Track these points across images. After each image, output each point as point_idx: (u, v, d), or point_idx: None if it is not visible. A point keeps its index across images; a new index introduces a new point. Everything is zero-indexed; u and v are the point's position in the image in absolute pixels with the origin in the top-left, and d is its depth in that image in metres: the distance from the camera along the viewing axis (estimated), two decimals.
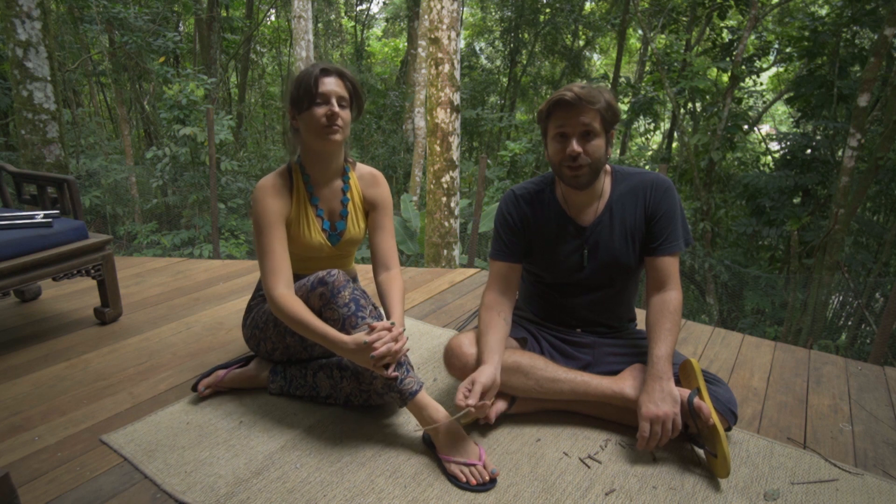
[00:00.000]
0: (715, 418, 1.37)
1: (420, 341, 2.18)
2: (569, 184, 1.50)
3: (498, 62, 14.87)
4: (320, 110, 1.50)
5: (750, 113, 9.36)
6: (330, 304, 1.48)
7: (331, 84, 1.50)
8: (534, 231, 1.61)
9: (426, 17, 5.91)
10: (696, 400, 1.39)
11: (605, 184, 1.58)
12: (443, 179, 5.02)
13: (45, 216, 2.18)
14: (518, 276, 1.67)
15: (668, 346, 1.44)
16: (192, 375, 1.87)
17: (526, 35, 13.59)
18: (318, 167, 1.64)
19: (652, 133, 13.52)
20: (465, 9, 14.31)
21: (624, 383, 1.52)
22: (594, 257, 1.58)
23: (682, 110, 9.43)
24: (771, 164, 10.02)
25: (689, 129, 9.68)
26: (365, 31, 16.04)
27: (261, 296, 1.80)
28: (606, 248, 1.57)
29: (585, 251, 1.58)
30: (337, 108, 1.50)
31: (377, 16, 17.44)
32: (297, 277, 1.64)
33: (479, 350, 1.52)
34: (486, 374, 1.41)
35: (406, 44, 14.18)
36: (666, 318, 1.48)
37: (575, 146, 1.42)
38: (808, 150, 7.66)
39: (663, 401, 1.37)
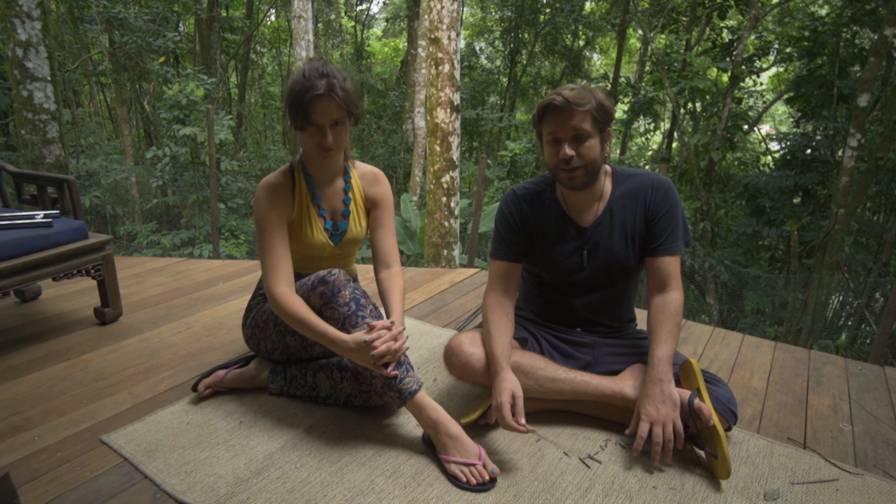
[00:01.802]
0: (715, 419, 1.37)
1: (420, 341, 2.18)
2: (566, 186, 1.50)
3: (498, 62, 14.87)
4: (312, 139, 1.50)
5: (750, 113, 9.36)
6: (330, 304, 1.48)
7: (323, 109, 1.45)
8: (534, 231, 1.61)
9: (426, 17, 5.92)
10: (697, 401, 1.39)
11: (606, 184, 1.57)
12: (443, 179, 5.02)
13: (45, 216, 2.18)
14: (518, 276, 1.67)
15: (669, 348, 1.44)
16: (192, 375, 1.87)
17: (526, 35, 13.59)
18: (320, 168, 1.64)
19: (652, 133, 13.52)
20: (465, 9, 14.31)
21: (624, 383, 1.52)
22: (594, 258, 1.58)
23: (682, 110, 9.43)
24: (771, 164, 10.02)
25: (689, 129, 9.68)
26: (365, 31, 16.04)
27: (261, 295, 1.80)
28: (606, 248, 1.57)
29: (585, 252, 1.58)
30: (330, 138, 1.48)
31: (377, 16, 17.45)
32: (298, 276, 1.64)
33: (490, 354, 1.51)
34: (512, 384, 1.42)
35: (406, 44, 14.18)
36: (667, 320, 1.48)
37: (567, 150, 1.42)
38: (808, 150, 7.66)
39: (663, 403, 1.37)
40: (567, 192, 1.56)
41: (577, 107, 1.39)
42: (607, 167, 1.59)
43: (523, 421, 1.37)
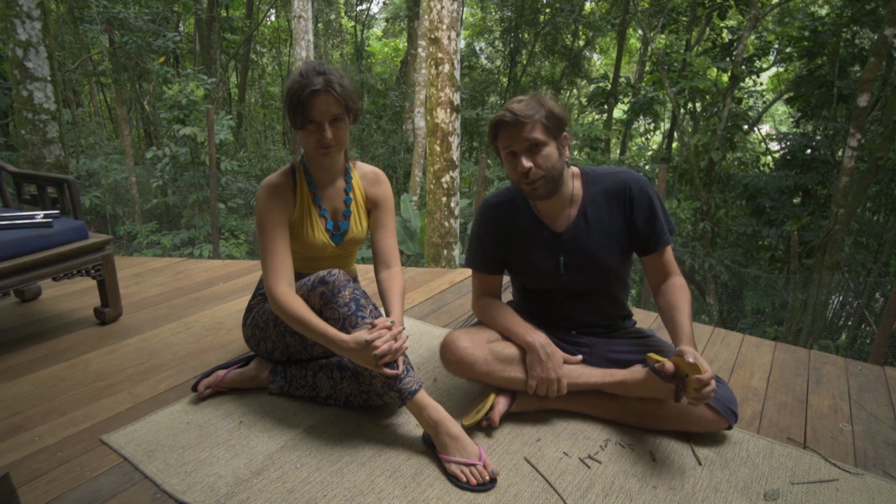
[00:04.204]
0: (675, 360, 1.38)
1: (420, 341, 2.18)
2: (531, 197, 1.51)
3: (498, 62, 14.87)
4: (312, 136, 1.50)
5: (750, 113, 9.37)
6: (330, 304, 1.48)
7: (321, 105, 1.46)
8: (509, 240, 1.62)
9: (426, 17, 5.91)
10: (657, 365, 1.40)
11: (576, 187, 1.57)
12: (443, 179, 5.02)
13: (45, 216, 2.17)
14: (500, 284, 1.72)
15: (691, 324, 1.48)
16: (192, 375, 1.87)
17: (526, 35, 13.59)
18: (321, 168, 1.65)
19: (652, 133, 13.52)
20: (465, 9, 14.31)
21: (616, 371, 1.55)
22: (572, 262, 1.58)
23: (682, 110, 9.43)
24: (771, 164, 10.03)
25: (689, 129, 9.68)
26: (365, 31, 16.04)
27: (261, 295, 1.80)
28: (584, 252, 1.56)
29: (561, 258, 1.58)
30: (329, 134, 1.48)
31: (377, 16, 17.45)
32: (299, 276, 1.64)
33: (508, 325, 1.59)
34: (544, 339, 1.53)
35: (406, 44, 14.18)
36: (683, 298, 1.52)
37: (524, 163, 1.42)
38: (808, 150, 7.66)
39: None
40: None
41: (526, 119, 1.40)
42: (575, 169, 1.59)
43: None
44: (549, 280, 1.62)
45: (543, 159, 1.43)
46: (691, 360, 1.32)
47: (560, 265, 1.58)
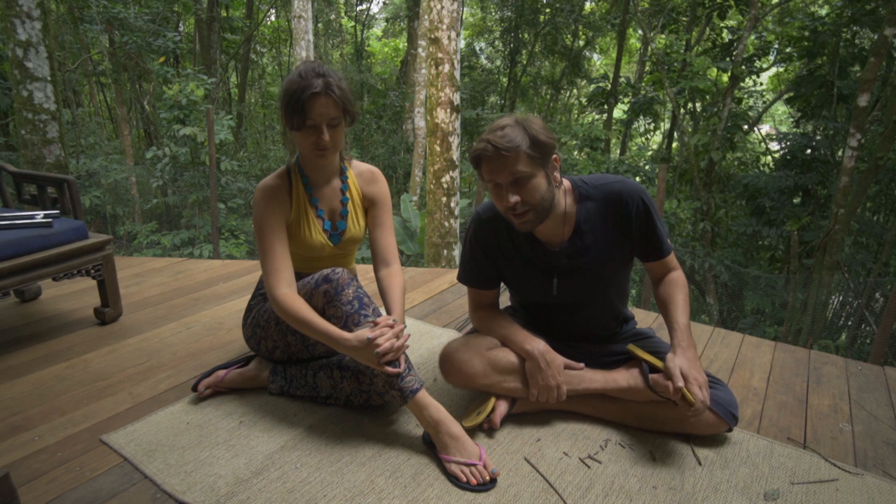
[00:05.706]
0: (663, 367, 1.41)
1: (420, 341, 2.18)
2: (520, 229, 1.43)
3: (498, 62, 14.87)
4: (310, 138, 1.50)
5: (750, 113, 9.37)
6: (333, 302, 1.49)
7: (320, 107, 1.45)
8: (501, 257, 1.59)
9: (426, 17, 5.91)
10: (651, 377, 1.43)
11: (568, 202, 1.48)
12: (443, 179, 5.02)
13: (45, 216, 2.17)
14: (496, 296, 1.70)
15: (687, 317, 1.48)
16: (192, 375, 1.87)
17: (526, 35, 13.60)
18: (316, 169, 1.65)
19: (652, 133, 13.52)
20: (465, 9, 14.31)
21: (618, 375, 1.54)
22: (566, 282, 1.54)
23: (682, 110, 9.44)
24: (771, 164, 10.03)
25: (689, 129, 9.68)
26: (365, 31, 16.04)
27: (261, 295, 1.80)
28: (579, 271, 1.52)
29: (555, 279, 1.54)
30: (327, 136, 1.48)
31: (377, 16, 17.45)
32: (299, 276, 1.64)
33: (507, 334, 1.57)
34: (543, 347, 1.51)
35: (406, 44, 14.18)
36: (679, 292, 1.52)
37: (510, 199, 1.34)
38: (808, 150, 7.67)
39: (696, 369, 1.38)
40: None
41: (509, 151, 1.31)
42: (567, 183, 1.51)
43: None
44: (541, 297, 1.60)
45: (530, 192, 1.34)
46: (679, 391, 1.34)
47: (553, 286, 1.55)
